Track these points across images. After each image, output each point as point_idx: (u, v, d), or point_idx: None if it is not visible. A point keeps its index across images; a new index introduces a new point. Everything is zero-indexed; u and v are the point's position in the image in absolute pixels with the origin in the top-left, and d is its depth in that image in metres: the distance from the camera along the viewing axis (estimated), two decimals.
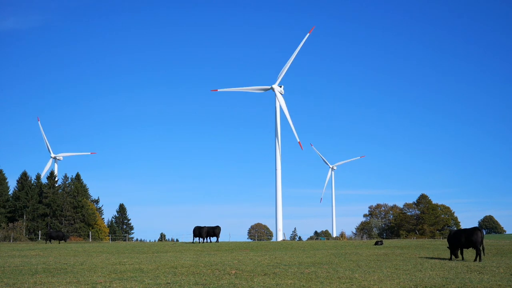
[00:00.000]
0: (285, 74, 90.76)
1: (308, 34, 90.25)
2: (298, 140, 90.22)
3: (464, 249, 26.47)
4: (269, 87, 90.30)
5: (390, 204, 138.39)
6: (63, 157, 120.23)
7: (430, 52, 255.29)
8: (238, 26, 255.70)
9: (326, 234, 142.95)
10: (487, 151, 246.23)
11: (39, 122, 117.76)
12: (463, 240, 25.77)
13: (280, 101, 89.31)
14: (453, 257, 26.46)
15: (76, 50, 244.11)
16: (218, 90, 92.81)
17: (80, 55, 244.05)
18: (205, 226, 53.33)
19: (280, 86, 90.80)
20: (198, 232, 53.23)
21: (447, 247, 27.78)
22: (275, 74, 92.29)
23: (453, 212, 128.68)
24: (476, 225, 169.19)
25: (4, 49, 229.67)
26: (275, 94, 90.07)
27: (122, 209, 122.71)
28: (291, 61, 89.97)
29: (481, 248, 25.27)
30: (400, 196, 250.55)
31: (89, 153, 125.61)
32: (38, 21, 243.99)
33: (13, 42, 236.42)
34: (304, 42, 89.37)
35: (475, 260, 24.99)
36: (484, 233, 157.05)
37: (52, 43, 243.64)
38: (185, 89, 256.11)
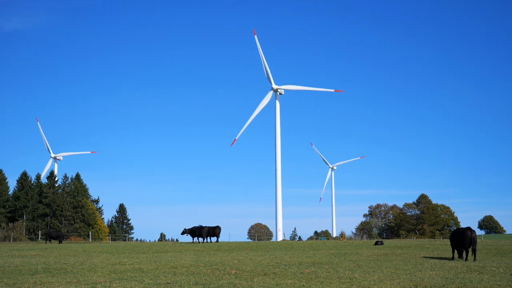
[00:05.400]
0: (271, 74, 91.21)
1: (334, 91, 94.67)
2: (236, 138, 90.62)
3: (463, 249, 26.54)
4: (270, 91, 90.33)
5: (390, 204, 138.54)
6: (63, 156, 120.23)
7: (430, 52, 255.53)
8: (238, 26, 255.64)
9: (326, 234, 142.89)
10: (487, 151, 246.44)
11: (38, 122, 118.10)
12: (456, 239, 25.97)
13: (266, 97, 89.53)
14: (454, 256, 26.53)
15: (78, 50, 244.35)
16: (236, 138, 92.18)
17: (82, 55, 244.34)
18: (205, 226, 53.34)
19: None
20: (198, 232, 53.26)
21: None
22: (277, 76, 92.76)
23: (453, 212, 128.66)
24: (476, 225, 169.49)
25: (7, 49, 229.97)
26: (274, 94, 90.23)
27: (122, 209, 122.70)
28: (302, 88, 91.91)
29: (470, 249, 25.45)
30: (400, 196, 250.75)
31: (89, 152, 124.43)
32: (41, 22, 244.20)
33: (16, 42, 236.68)
34: (260, 45, 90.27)
35: (474, 260, 25.08)
36: (484, 233, 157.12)
37: (55, 43, 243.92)
38: (185, 89, 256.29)
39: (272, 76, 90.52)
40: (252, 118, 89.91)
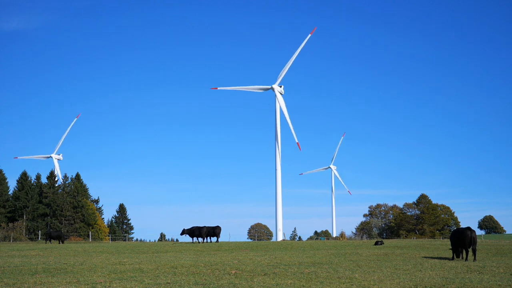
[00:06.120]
0: (285, 74, 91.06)
1: (310, 35, 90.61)
2: (297, 141, 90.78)
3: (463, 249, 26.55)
4: (269, 87, 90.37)
5: (390, 204, 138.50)
6: (55, 155, 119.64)
7: (430, 52, 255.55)
8: (238, 26, 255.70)
9: (326, 234, 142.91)
10: (487, 151, 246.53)
11: (77, 118, 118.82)
12: (456, 239, 25.96)
13: (280, 102, 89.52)
14: (454, 256, 26.52)
15: (78, 50, 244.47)
16: (218, 88, 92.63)
17: (82, 55, 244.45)
18: (204, 226, 53.37)
19: (280, 86, 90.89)
20: (198, 232, 53.29)
21: (449, 249, 27.97)
22: (275, 74, 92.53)
23: (453, 212, 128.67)
24: (476, 225, 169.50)
25: (7, 49, 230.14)
26: (275, 94, 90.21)
27: (122, 209, 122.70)
28: (291, 61, 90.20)
29: (470, 249, 25.45)
30: (400, 196, 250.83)
31: (76, 118, 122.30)
32: (41, 22, 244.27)
33: (16, 42, 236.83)
34: (306, 43, 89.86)
35: (474, 259, 25.09)
36: (484, 233, 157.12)
37: (55, 43, 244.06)
38: (185, 89, 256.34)
39: (264, 83, 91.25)
40: (290, 123, 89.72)
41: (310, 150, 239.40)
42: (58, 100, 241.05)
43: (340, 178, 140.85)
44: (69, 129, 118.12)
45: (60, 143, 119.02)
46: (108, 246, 47.62)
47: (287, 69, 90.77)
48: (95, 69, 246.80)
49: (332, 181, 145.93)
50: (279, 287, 15.68)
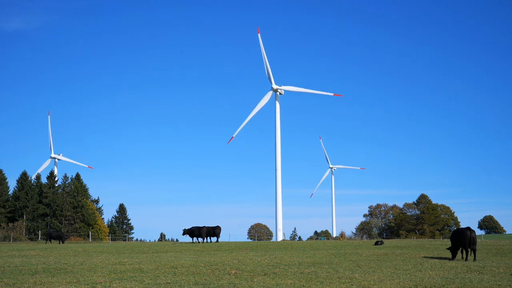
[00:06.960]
0: (283, 75, 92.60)
1: (333, 95, 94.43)
2: (233, 135, 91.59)
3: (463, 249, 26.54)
4: (273, 84, 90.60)
5: (390, 204, 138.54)
6: (58, 160, 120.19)
7: (430, 52, 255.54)
8: (238, 25, 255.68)
9: (326, 234, 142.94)
10: (487, 151, 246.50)
11: (49, 116, 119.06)
12: (456, 239, 25.94)
13: (265, 98, 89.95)
14: (456, 256, 26.50)
15: (78, 50, 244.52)
16: (234, 136, 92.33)
17: (82, 55, 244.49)
18: (204, 226, 53.37)
19: (280, 86, 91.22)
20: (198, 232, 53.29)
21: (446, 248, 27.98)
22: (277, 76, 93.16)
23: (453, 212, 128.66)
24: (476, 225, 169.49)
25: (7, 49, 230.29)
26: (268, 91, 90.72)
27: (122, 209, 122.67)
28: (303, 90, 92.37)
29: (470, 249, 25.44)
30: (400, 196, 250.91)
31: (87, 166, 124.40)
32: (41, 22, 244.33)
33: (16, 42, 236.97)
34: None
35: (474, 259, 25.08)
36: (484, 233, 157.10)
37: (55, 43, 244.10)
38: (185, 89, 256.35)
39: (273, 76, 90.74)
40: (250, 116, 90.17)
41: (311, 150, 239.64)
42: (58, 100, 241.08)
43: (322, 178, 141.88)
44: (50, 129, 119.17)
45: (51, 142, 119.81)
46: (108, 246, 47.61)
47: (296, 90, 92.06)
48: (95, 69, 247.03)
49: (332, 181, 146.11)
50: (279, 287, 15.68)
